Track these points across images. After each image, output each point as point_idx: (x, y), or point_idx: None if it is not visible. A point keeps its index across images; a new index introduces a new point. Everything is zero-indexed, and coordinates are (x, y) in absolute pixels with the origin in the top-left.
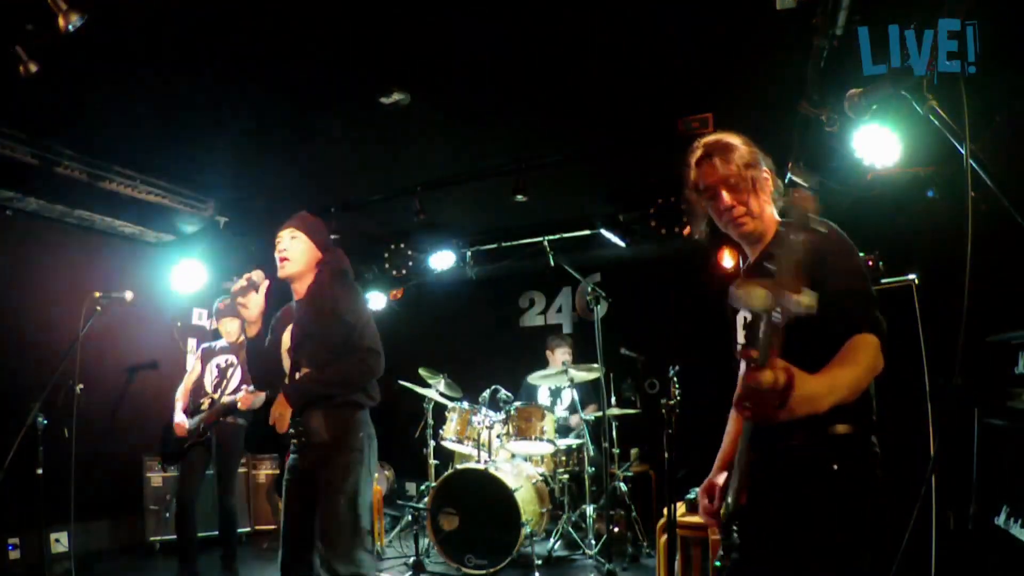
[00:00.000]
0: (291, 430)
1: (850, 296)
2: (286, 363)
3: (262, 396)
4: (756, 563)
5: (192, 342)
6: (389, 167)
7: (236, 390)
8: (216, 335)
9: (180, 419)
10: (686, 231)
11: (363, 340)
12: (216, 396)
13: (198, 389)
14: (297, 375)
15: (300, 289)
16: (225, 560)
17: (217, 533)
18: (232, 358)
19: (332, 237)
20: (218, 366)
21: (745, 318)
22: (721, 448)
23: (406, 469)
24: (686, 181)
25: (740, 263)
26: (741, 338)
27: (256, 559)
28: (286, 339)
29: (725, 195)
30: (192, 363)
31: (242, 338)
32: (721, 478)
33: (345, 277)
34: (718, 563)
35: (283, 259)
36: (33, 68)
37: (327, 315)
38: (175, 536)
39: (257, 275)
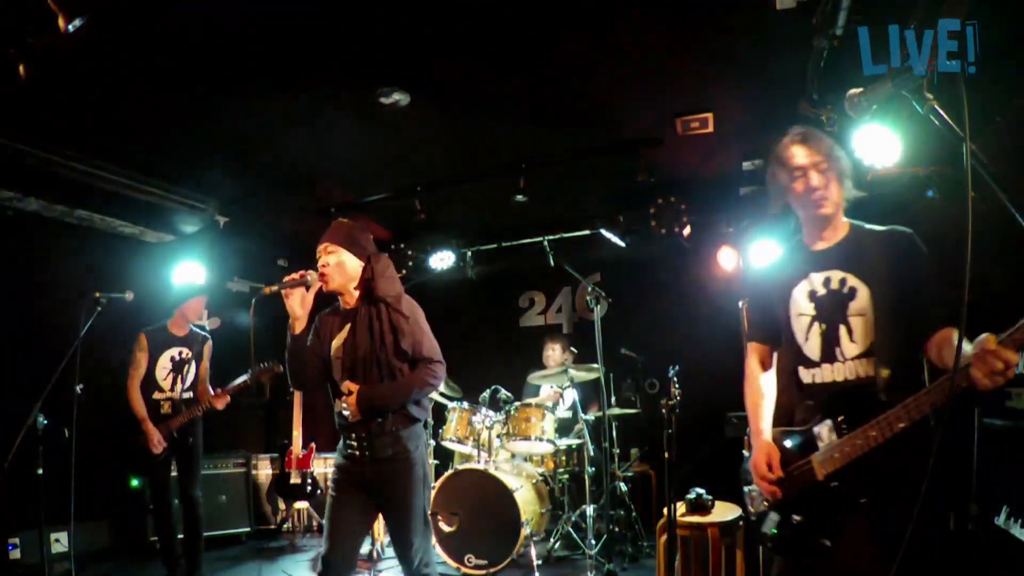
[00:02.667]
0: (353, 441)
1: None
2: (335, 369)
3: (227, 398)
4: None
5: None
6: (389, 167)
7: (192, 386)
8: (163, 321)
9: (155, 435)
10: (686, 231)
11: (424, 351)
12: (175, 395)
13: (150, 384)
14: (349, 385)
15: (349, 299)
16: (190, 563)
17: (214, 533)
18: (186, 350)
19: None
20: (172, 359)
21: (807, 312)
22: (761, 422)
23: None
24: (773, 159)
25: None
26: (802, 335)
27: (256, 559)
28: (336, 346)
29: (814, 176)
30: (137, 354)
31: (190, 327)
32: (774, 451)
33: (395, 289)
34: (775, 530)
35: (323, 275)
36: (33, 68)
37: (392, 333)
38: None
39: (312, 275)
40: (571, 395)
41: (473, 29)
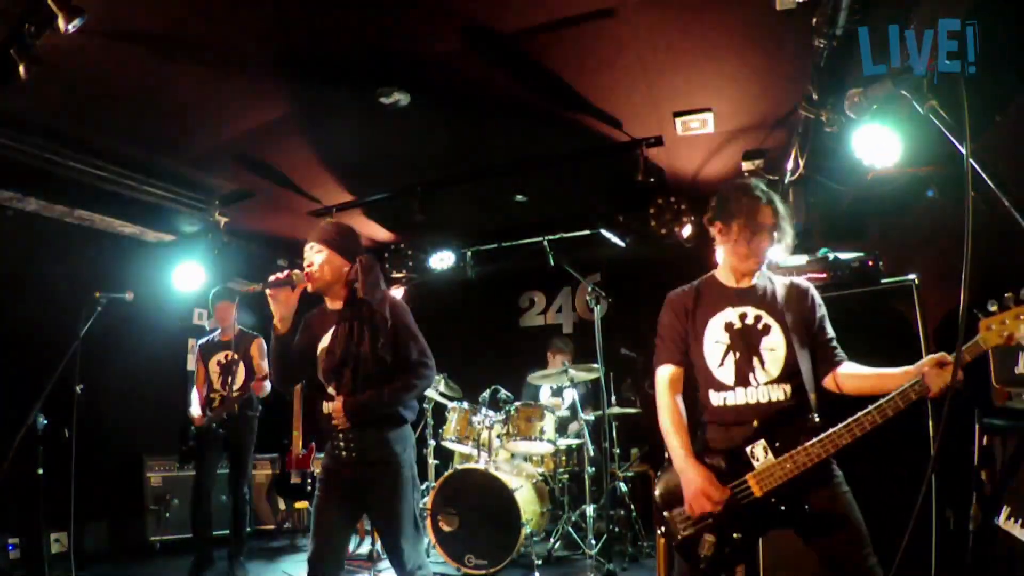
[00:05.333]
0: (340, 442)
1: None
2: (321, 371)
3: (267, 384)
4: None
5: (192, 342)
6: (389, 167)
7: (243, 386)
8: (212, 331)
9: (196, 411)
10: (688, 233)
11: (413, 353)
12: (227, 393)
13: (210, 387)
14: (332, 388)
15: (334, 299)
16: (232, 555)
17: (224, 532)
18: (231, 353)
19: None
20: (219, 363)
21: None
22: (687, 444)
23: None
24: (736, 204)
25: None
26: (716, 362)
27: (256, 559)
28: (322, 347)
29: (771, 239)
30: (193, 363)
31: (239, 329)
32: (710, 473)
33: (380, 290)
34: (714, 551)
35: (308, 274)
36: (33, 68)
37: (371, 338)
38: (189, 533)
39: (297, 275)
40: (571, 395)
41: (472, 29)
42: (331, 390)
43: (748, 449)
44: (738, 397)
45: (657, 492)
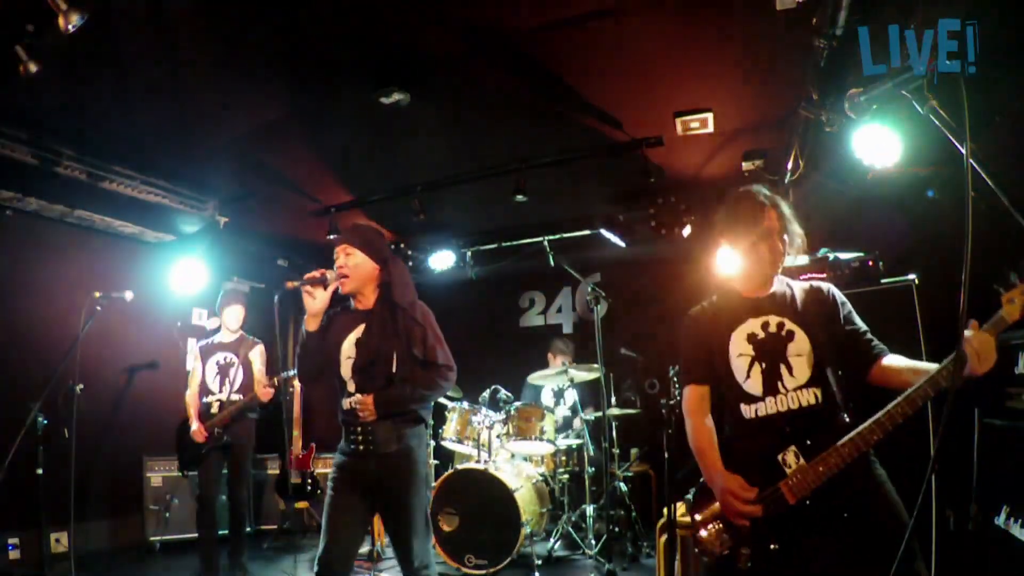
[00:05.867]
0: (357, 436)
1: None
2: (344, 368)
3: (271, 391)
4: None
5: (191, 342)
6: (389, 167)
7: (241, 388)
8: (212, 332)
9: (197, 427)
10: (688, 233)
11: (440, 357)
12: (224, 397)
13: (203, 390)
14: (353, 385)
15: (363, 301)
16: (232, 555)
17: (224, 533)
18: (231, 356)
19: (331, 237)
20: (218, 363)
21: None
22: (718, 459)
23: None
24: (742, 213)
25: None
26: (742, 374)
27: (257, 559)
28: (347, 346)
29: (779, 244)
30: (191, 363)
31: (241, 333)
32: (739, 478)
33: (411, 295)
34: (751, 564)
35: (341, 276)
36: (33, 68)
37: (400, 340)
38: (189, 533)
39: (331, 275)
40: (571, 395)
41: (473, 29)
42: (352, 387)
43: (779, 457)
44: (768, 407)
45: (692, 516)
